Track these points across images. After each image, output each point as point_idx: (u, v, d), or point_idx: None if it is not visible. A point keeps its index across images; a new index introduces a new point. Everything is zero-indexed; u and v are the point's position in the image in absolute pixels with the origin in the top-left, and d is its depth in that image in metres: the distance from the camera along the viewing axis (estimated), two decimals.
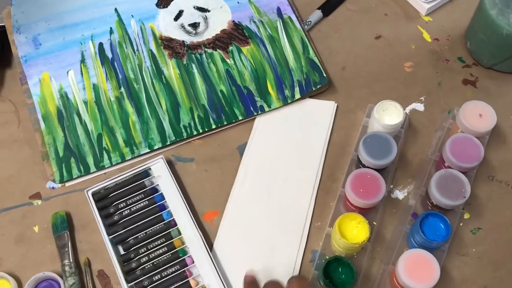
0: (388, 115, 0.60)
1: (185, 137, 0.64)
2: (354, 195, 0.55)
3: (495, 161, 0.63)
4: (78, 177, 0.62)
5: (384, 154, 0.57)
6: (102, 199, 0.60)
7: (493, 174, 0.62)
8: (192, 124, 0.65)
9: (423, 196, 0.59)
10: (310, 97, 0.68)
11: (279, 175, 0.63)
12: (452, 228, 0.56)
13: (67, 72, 0.67)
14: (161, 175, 0.61)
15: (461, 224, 0.59)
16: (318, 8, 0.73)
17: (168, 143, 0.64)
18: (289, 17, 0.71)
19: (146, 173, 0.61)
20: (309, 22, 0.72)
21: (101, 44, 0.69)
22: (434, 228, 0.55)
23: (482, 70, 0.69)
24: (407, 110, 0.67)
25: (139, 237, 0.58)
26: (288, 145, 0.65)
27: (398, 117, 0.60)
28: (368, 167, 0.58)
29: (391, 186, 0.62)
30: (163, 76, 0.68)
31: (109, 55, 0.69)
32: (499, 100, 0.66)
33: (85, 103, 0.66)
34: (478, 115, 0.60)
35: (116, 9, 0.72)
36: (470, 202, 0.60)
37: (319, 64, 0.68)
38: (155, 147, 0.63)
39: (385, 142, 0.58)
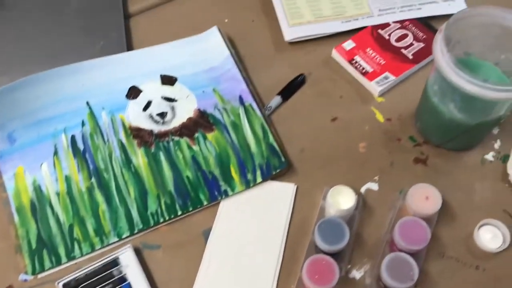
0: (342, 197, 0.65)
1: (152, 225, 0.67)
2: (309, 282, 0.58)
3: (446, 237, 0.67)
4: (50, 268, 0.65)
5: (338, 239, 0.61)
6: None
7: (444, 250, 0.66)
8: (159, 211, 0.68)
9: (378, 276, 0.62)
10: (272, 179, 0.72)
11: (242, 259, 0.66)
12: None
13: (41, 165, 0.71)
14: (128, 265, 0.64)
15: None
16: (278, 94, 0.79)
17: (136, 231, 0.67)
18: (250, 105, 0.77)
19: (114, 263, 0.64)
20: (270, 108, 0.77)
21: (73, 136, 0.74)
22: None
23: (432, 148, 0.74)
24: (363, 189, 0.71)
25: None
26: (251, 228, 0.68)
27: (351, 200, 0.64)
28: (324, 250, 0.61)
29: (349, 266, 0.65)
30: (132, 165, 0.72)
31: (81, 147, 0.73)
32: (448, 177, 0.71)
33: (58, 194, 0.69)
34: (424, 198, 0.64)
35: (87, 103, 0.77)
36: (423, 280, 0.64)
37: (278, 149, 0.73)
38: (124, 236, 0.67)
39: (338, 228, 0.62)
